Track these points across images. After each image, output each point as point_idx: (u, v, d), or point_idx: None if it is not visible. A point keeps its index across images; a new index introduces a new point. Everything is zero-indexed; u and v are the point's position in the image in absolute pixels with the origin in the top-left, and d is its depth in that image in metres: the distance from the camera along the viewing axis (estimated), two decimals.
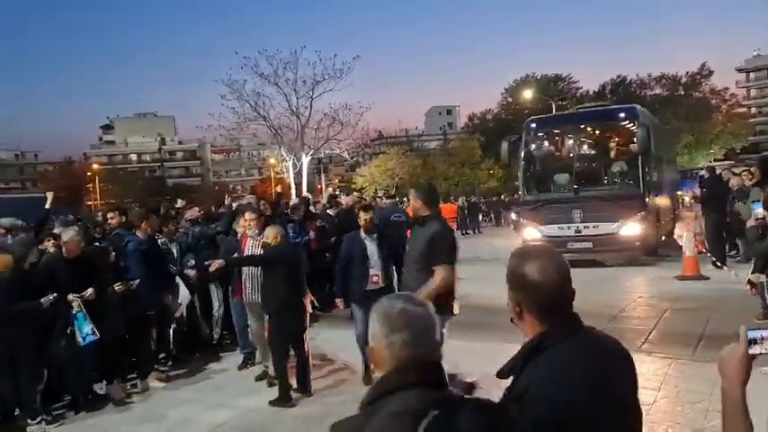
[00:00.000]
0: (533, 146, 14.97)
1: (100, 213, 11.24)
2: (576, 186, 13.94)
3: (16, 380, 5.89)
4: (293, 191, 27.49)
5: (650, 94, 56.48)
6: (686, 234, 12.48)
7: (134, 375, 7.25)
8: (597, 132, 15.24)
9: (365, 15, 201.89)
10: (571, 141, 15.36)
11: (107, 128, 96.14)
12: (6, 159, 76.80)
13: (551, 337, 1.76)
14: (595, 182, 14.38)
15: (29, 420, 5.87)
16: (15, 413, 6.11)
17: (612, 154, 14.81)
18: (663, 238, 15.83)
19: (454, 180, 42.53)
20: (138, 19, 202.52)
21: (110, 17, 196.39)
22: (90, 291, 6.23)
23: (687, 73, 55.93)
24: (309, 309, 6.64)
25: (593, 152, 15.43)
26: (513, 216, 27.60)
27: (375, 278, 6.32)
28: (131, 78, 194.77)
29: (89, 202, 53.52)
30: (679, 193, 25.40)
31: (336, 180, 61.55)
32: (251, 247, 6.92)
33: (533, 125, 14.94)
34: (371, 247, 6.41)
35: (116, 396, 6.66)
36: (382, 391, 1.54)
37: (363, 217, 6.49)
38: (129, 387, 7.05)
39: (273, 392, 6.28)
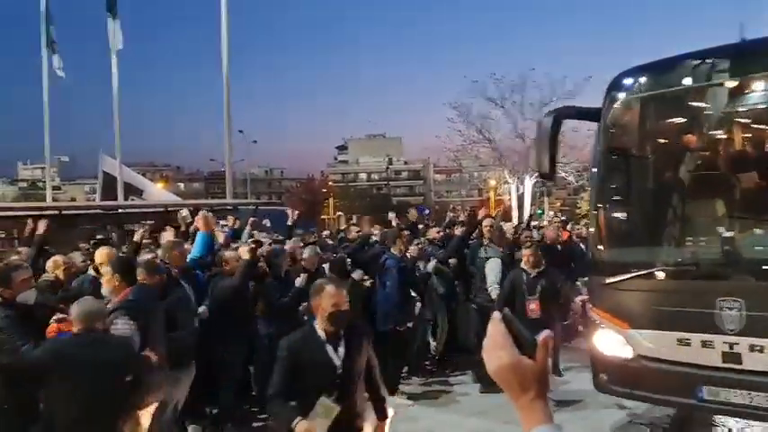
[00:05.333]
0: (627, 132, 5.95)
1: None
2: (727, 234, 4.90)
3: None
4: (515, 213, 27.24)
5: None
6: None
7: None
8: None
9: (597, 35, 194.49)
10: (720, 117, 5.53)
11: (342, 148, 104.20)
12: (258, 175, 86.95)
13: None
14: None
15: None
16: None
17: None
18: None
19: None
20: (372, 46, 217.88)
21: (346, 46, 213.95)
22: None
23: None
24: None
25: None
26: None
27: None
28: (366, 102, 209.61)
29: (324, 216, 58.36)
30: None
31: (558, 204, 59.66)
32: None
33: (628, 82, 5.58)
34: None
35: None
36: None
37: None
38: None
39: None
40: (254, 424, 6.58)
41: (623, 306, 5.23)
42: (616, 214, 6.04)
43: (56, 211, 15.10)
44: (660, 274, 5.00)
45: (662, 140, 6.05)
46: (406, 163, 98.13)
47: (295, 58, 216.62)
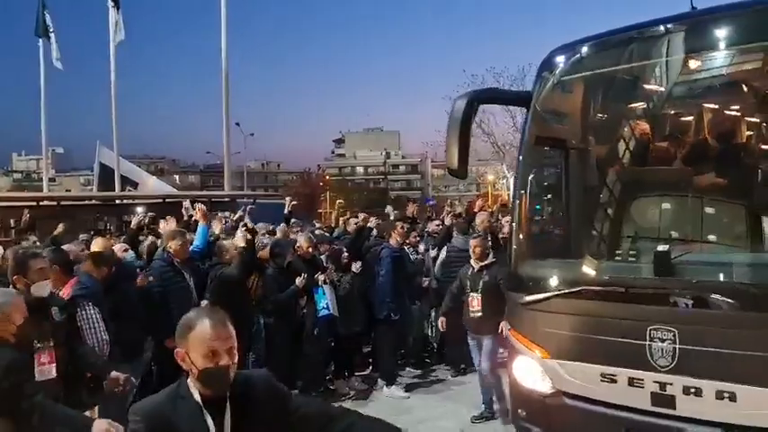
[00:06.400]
0: (560, 120, 4.94)
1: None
2: (662, 249, 3.80)
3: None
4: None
5: None
6: None
7: (365, 373, 7.85)
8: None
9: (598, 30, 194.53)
10: (671, 102, 4.46)
11: (339, 142, 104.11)
12: (254, 168, 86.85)
13: None
14: (733, 237, 4.07)
15: None
16: None
17: None
18: None
19: None
20: (370, 39, 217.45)
21: (344, 40, 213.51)
22: (323, 276, 7.06)
23: None
24: None
25: (731, 140, 4.11)
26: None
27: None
28: (364, 95, 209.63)
29: (320, 210, 58.36)
30: None
31: None
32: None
33: (563, 60, 4.56)
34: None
35: (340, 391, 7.29)
36: None
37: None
38: (359, 384, 7.57)
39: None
40: None
41: (543, 330, 4.28)
42: (541, 217, 5.14)
43: (54, 202, 15.16)
44: (585, 295, 4.02)
45: (601, 130, 4.89)
46: (403, 157, 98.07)
47: (292, 51, 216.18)
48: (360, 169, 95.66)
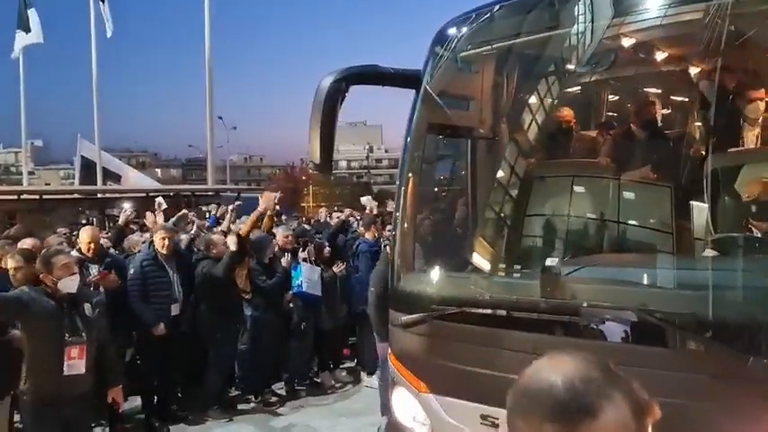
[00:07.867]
0: (456, 104, 3.98)
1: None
2: (548, 267, 2.99)
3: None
4: None
5: None
6: None
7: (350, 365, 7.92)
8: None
9: None
10: (593, 81, 3.82)
11: None
12: (237, 162, 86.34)
13: None
14: (648, 251, 3.28)
15: None
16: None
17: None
18: None
19: None
20: (353, 31, 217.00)
21: (327, 31, 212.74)
22: (304, 254, 7.16)
23: None
24: None
25: (662, 128, 3.89)
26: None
27: None
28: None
29: (303, 204, 58.26)
30: None
31: None
32: None
33: (462, 32, 3.63)
34: None
35: (326, 383, 7.32)
36: None
37: None
38: (344, 376, 7.64)
39: None
40: (239, 406, 6.65)
41: (421, 358, 3.48)
42: (425, 220, 4.22)
43: (35, 196, 14.98)
44: (464, 317, 3.21)
45: (504, 115, 4.02)
46: (386, 151, 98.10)
47: (276, 43, 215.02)
48: (343, 163, 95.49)
